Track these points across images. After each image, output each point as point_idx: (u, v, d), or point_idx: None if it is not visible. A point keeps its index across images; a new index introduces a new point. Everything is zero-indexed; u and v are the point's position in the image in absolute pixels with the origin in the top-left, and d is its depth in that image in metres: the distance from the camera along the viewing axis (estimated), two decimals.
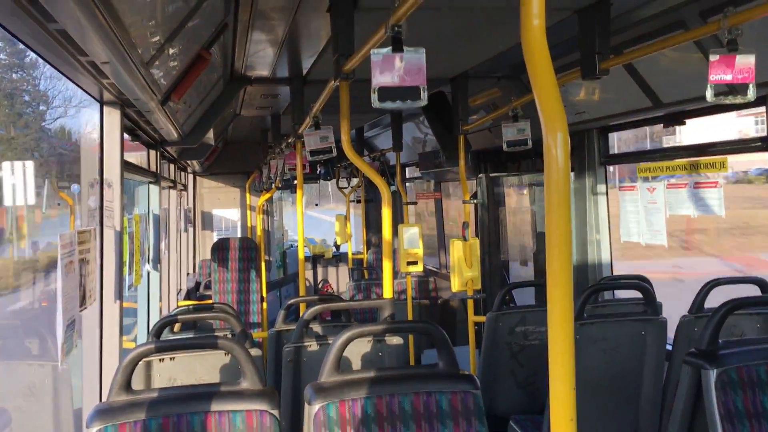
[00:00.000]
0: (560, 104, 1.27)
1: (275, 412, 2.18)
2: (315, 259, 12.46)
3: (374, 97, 2.46)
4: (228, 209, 10.74)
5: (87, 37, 2.08)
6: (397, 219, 10.64)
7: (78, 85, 3.01)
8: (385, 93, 2.47)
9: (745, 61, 2.60)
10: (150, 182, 5.41)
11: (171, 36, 2.74)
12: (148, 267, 5.20)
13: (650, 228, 4.63)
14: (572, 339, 1.27)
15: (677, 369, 3.56)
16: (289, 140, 5.92)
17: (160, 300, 5.90)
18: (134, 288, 5.11)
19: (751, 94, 2.66)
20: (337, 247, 12.88)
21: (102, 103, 3.37)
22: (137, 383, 3.18)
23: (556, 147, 1.27)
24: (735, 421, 2.32)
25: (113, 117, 3.33)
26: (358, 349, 3.39)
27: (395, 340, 3.42)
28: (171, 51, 2.96)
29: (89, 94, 3.23)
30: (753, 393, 2.38)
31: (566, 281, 1.25)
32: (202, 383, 2.80)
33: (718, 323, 2.48)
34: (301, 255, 5.55)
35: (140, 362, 3.21)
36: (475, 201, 6.92)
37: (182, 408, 2.14)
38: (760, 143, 3.79)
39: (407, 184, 11.13)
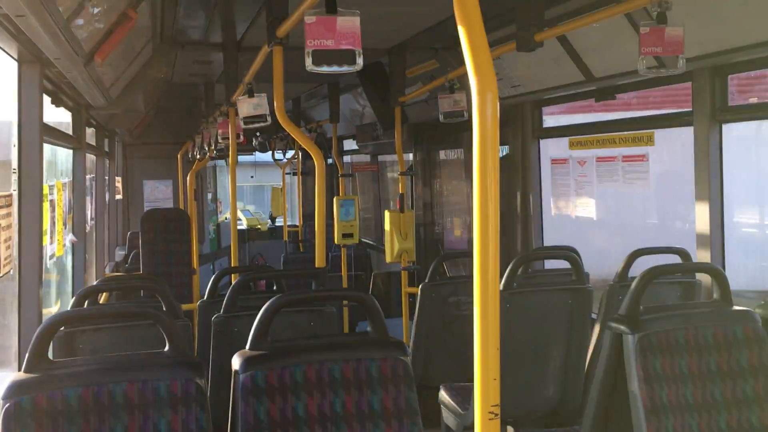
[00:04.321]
0: (490, 62, 1.26)
1: (201, 381, 2.13)
2: (249, 233, 12.31)
3: (308, 60, 2.41)
4: (160, 180, 10.45)
5: None
6: (334, 192, 10.59)
7: None
8: (320, 56, 2.43)
9: (675, 34, 2.66)
10: (74, 148, 5.19)
11: None
12: (71, 237, 5.01)
13: (580, 201, 4.74)
14: (497, 300, 1.27)
15: (601, 336, 3.67)
16: (223, 108, 5.78)
17: (86, 272, 5.71)
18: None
19: (681, 66, 2.73)
20: (273, 219, 12.76)
21: (19, 61, 3.20)
22: (59, 356, 3.06)
23: (486, 107, 1.26)
24: (654, 383, 2.40)
25: (31, 77, 3.17)
26: (289, 320, 3.35)
27: (327, 310, 3.40)
28: (94, 9, 2.82)
29: (5, 51, 3.05)
30: (672, 357, 2.46)
31: (493, 235, 1.25)
32: (126, 353, 2.72)
33: (639, 290, 2.55)
34: (233, 227, 5.46)
35: (61, 333, 3.11)
36: (411, 173, 6.94)
37: (103, 378, 2.06)
38: (686, 118, 3.91)
39: (345, 156, 11.08)
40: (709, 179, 3.74)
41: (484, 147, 1.28)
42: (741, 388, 2.52)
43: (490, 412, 1.29)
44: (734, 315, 2.60)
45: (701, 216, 3.81)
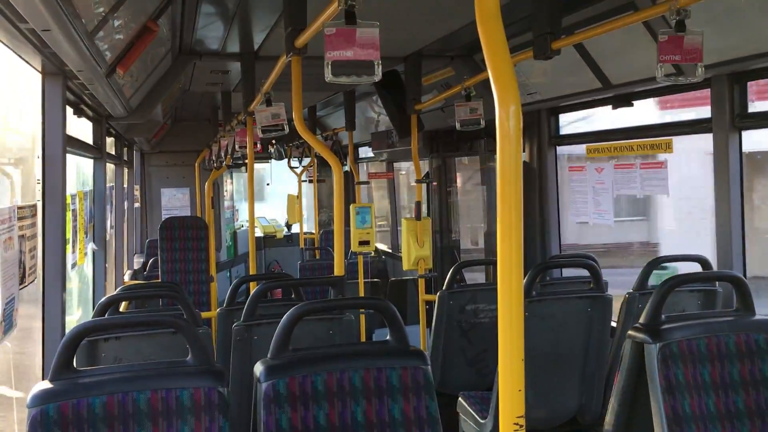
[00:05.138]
0: (513, 74, 1.27)
1: (223, 390, 2.15)
2: (265, 240, 12.34)
3: (327, 71, 2.43)
4: (178, 188, 10.53)
5: (27, 2, 1.98)
6: (350, 199, 10.60)
7: (18, 55, 2.89)
8: (339, 67, 2.45)
9: (693, 42, 2.66)
10: (95, 158, 5.25)
11: (116, 6, 2.64)
12: (92, 245, 5.06)
13: (597, 208, 4.72)
14: (521, 310, 1.28)
15: (621, 344, 3.66)
16: (240, 118, 5.82)
17: (106, 279, 5.77)
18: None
19: (700, 74, 2.72)
20: (289, 227, 12.79)
21: (44, 74, 3.25)
22: (83, 365, 3.10)
23: (509, 119, 1.27)
24: (676, 393, 2.39)
25: (55, 89, 3.21)
26: (308, 328, 3.37)
27: (346, 317, 3.42)
28: (116, 21, 2.86)
29: (30, 65, 3.10)
30: (693, 366, 2.45)
31: (517, 248, 1.26)
32: (150, 362, 2.74)
33: (660, 299, 2.54)
34: (251, 234, 5.49)
35: (85, 342, 3.15)
36: (427, 181, 6.94)
37: (127, 386, 2.09)
38: (705, 125, 3.89)
39: (360, 163, 11.10)
40: (729, 186, 3.71)
41: (507, 158, 1.28)
42: (764, 397, 2.50)
43: (515, 424, 1.29)
44: (756, 324, 2.58)
45: (721, 223, 3.78)
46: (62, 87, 3.26)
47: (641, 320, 2.54)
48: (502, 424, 1.31)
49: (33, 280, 2.80)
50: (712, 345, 2.50)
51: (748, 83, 3.65)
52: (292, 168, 11.41)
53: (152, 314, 2.41)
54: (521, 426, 1.29)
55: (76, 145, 4.21)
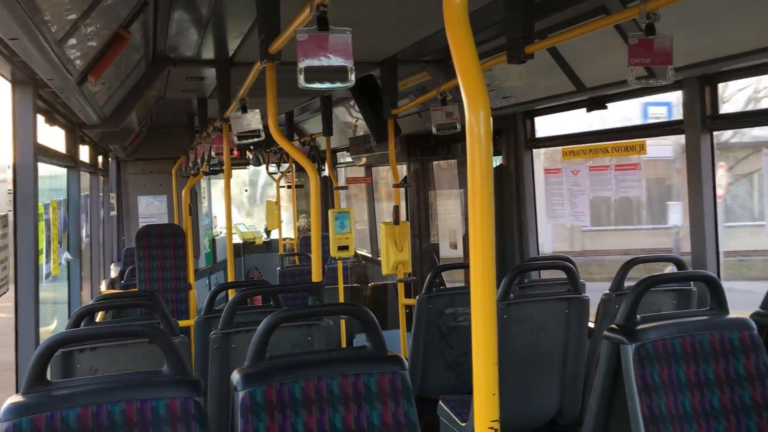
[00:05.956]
0: (482, 81, 1.27)
1: (200, 399, 2.13)
2: (245, 246, 12.27)
3: (301, 77, 2.42)
4: (155, 196, 10.45)
5: None
6: (329, 204, 10.58)
7: None
8: (312, 74, 2.44)
9: (663, 45, 2.69)
10: (69, 167, 5.19)
11: (86, 13, 2.62)
12: (67, 255, 5.00)
13: (574, 210, 4.76)
14: (494, 314, 1.28)
15: (599, 345, 3.68)
16: (216, 124, 5.79)
17: (82, 289, 5.69)
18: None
19: (670, 76, 2.76)
20: (268, 233, 12.74)
21: (13, 83, 3.20)
22: (58, 377, 3.05)
23: (479, 125, 1.27)
24: (652, 393, 2.41)
25: (25, 98, 3.17)
26: (287, 335, 3.35)
27: (325, 324, 3.40)
28: (86, 29, 2.83)
29: None
30: (669, 366, 2.47)
31: (488, 250, 1.26)
32: (125, 373, 2.71)
33: (635, 300, 2.56)
34: (229, 241, 5.45)
35: (60, 354, 3.10)
36: (405, 185, 6.96)
37: (101, 398, 2.06)
38: (678, 126, 3.94)
39: (339, 168, 11.09)
40: (702, 186, 3.76)
41: (477, 162, 1.29)
42: (739, 395, 2.53)
43: (489, 428, 1.30)
44: (730, 322, 2.61)
45: (695, 224, 3.83)
46: (33, 95, 3.22)
47: (617, 321, 2.56)
48: (477, 428, 1.31)
49: (5, 292, 2.76)
50: (687, 344, 2.52)
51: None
52: (270, 174, 11.38)
53: (126, 324, 2.38)
54: (496, 430, 1.29)
55: (48, 153, 4.16)
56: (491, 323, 1.29)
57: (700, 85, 3.70)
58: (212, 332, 3.36)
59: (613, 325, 2.55)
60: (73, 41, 2.72)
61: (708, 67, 3.47)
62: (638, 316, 2.55)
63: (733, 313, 2.66)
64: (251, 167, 11.67)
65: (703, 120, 3.72)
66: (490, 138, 1.27)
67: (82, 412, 2.04)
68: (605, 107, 4.50)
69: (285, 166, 11.12)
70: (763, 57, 3.13)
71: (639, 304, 2.57)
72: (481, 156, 1.27)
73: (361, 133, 8.29)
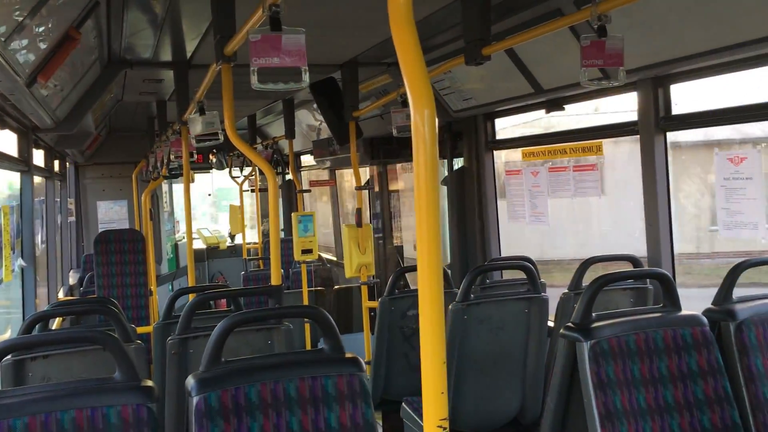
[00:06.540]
0: (427, 80, 1.27)
1: (152, 405, 2.09)
2: (209, 251, 12.14)
3: (254, 78, 2.40)
4: (115, 201, 10.28)
5: None
6: (292, 207, 10.53)
7: None
8: (266, 75, 2.43)
9: (615, 47, 2.73)
10: (21, 171, 5.06)
11: (32, 12, 2.56)
12: (20, 262, 4.88)
13: (533, 210, 4.80)
14: (441, 313, 1.28)
15: (557, 344, 3.72)
16: (175, 127, 5.71)
17: (37, 296, 5.57)
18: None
19: (622, 77, 2.80)
20: (232, 237, 12.62)
21: None
22: (9, 385, 2.97)
23: (424, 124, 1.27)
24: (607, 389, 2.44)
25: None
26: (246, 339, 3.32)
27: (284, 327, 3.37)
28: (35, 29, 2.77)
29: None
30: (623, 362, 2.50)
31: (435, 251, 1.26)
32: (77, 380, 2.65)
33: (590, 298, 2.59)
34: (189, 245, 5.38)
35: (11, 362, 3.02)
36: (368, 187, 6.96)
37: (50, 406, 2.01)
38: (632, 127, 4.00)
39: (303, 171, 11.04)
40: (656, 186, 3.82)
41: (422, 163, 1.28)
42: (692, 390, 2.58)
43: (438, 426, 1.29)
44: (682, 319, 2.66)
45: (650, 222, 3.89)
46: None
47: (572, 319, 2.59)
48: (426, 428, 1.30)
49: None
50: (640, 341, 2.56)
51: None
52: (233, 177, 11.28)
53: (77, 330, 2.33)
54: (445, 429, 1.29)
55: None
56: (439, 322, 1.28)
57: (654, 87, 3.76)
58: (169, 338, 3.31)
59: (569, 323, 2.58)
60: (20, 42, 2.65)
61: (661, 69, 3.53)
62: (593, 314, 2.58)
63: (685, 310, 2.70)
64: (214, 171, 11.55)
65: (656, 121, 3.79)
66: (434, 137, 1.27)
67: (30, 421, 1.99)
68: (563, 109, 4.55)
69: (248, 170, 11.04)
70: (714, 58, 3.20)
71: (595, 303, 2.60)
72: (426, 155, 1.26)
73: (325, 136, 8.27)
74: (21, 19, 2.52)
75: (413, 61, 1.26)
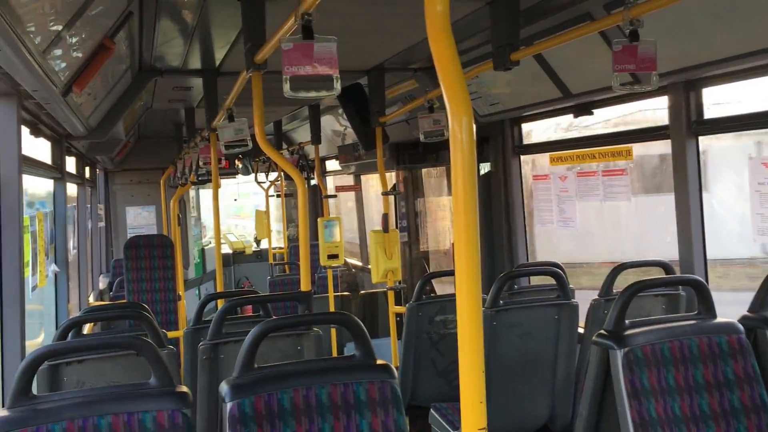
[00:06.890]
0: (465, 88, 1.27)
1: (187, 411, 2.11)
2: (235, 256, 12.23)
3: (286, 86, 2.42)
4: (143, 206, 10.41)
5: None
6: (318, 213, 10.57)
7: None
8: (298, 82, 2.44)
9: (647, 51, 2.70)
10: (55, 179, 5.15)
11: (69, 23, 2.60)
12: (54, 267, 4.96)
13: (561, 215, 4.77)
14: (480, 321, 1.28)
15: (588, 351, 3.69)
16: (204, 134, 5.77)
17: (69, 301, 5.65)
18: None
19: (654, 82, 2.77)
20: (258, 242, 12.70)
21: None
22: (45, 390, 3.02)
23: (462, 132, 1.27)
24: (641, 397, 2.41)
25: (9, 109, 3.15)
26: (276, 345, 3.33)
27: (314, 333, 3.39)
28: (71, 39, 2.82)
29: None
30: (658, 370, 2.47)
31: (474, 258, 1.25)
32: (112, 385, 2.68)
33: (623, 305, 2.56)
34: (217, 251, 5.43)
35: (46, 367, 3.07)
36: (394, 193, 6.96)
37: (87, 411, 2.04)
38: (663, 131, 3.96)
39: (328, 177, 11.08)
40: (688, 191, 3.78)
41: (461, 170, 1.29)
42: (728, 399, 2.54)
43: None
44: (718, 326, 2.62)
45: (682, 228, 3.84)
46: (17, 107, 3.20)
47: (605, 326, 2.56)
48: None
49: None
50: (675, 349, 2.53)
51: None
52: (259, 183, 11.35)
53: (113, 336, 2.36)
54: None
55: (33, 165, 4.13)
56: (477, 330, 1.28)
57: (685, 91, 3.72)
58: (201, 343, 3.34)
59: (602, 331, 2.55)
60: (57, 52, 2.70)
61: (692, 73, 3.49)
62: (627, 321, 2.55)
63: (721, 317, 2.66)
64: (239, 176, 11.64)
65: (688, 125, 3.74)
66: (473, 144, 1.27)
67: (68, 425, 2.02)
68: (591, 113, 4.52)
69: (274, 175, 11.11)
70: (746, 62, 3.15)
71: (627, 309, 2.57)
72: (464, 162, 1.27)
73: (350, 142, 8.29)
74: (58, 30, 2.57)
75: (451, 69, 1.27)
